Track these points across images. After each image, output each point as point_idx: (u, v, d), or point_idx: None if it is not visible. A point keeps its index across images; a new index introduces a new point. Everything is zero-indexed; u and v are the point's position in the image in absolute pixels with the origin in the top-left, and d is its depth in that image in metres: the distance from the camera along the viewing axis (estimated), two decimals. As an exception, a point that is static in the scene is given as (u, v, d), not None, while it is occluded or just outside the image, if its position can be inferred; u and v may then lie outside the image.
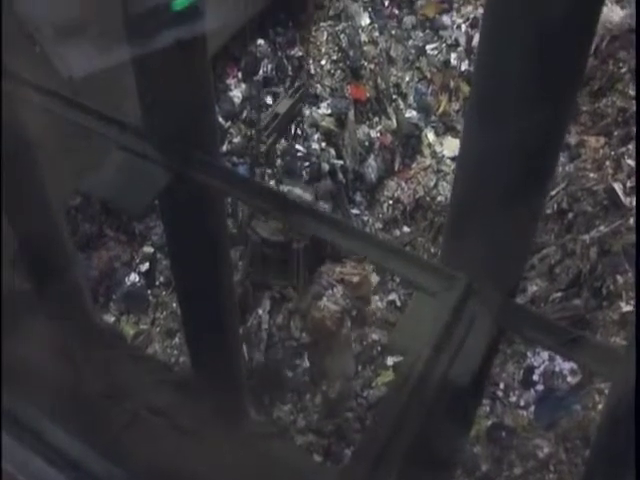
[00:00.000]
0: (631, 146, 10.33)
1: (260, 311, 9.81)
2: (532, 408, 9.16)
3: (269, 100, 10.70)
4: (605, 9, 11.41)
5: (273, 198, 3.49)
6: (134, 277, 9.82)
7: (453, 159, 11.21)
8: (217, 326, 5.28)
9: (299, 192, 10.33)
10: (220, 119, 10.07)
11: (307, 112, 10.83)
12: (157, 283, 9.93)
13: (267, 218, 9.53)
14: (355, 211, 11.09)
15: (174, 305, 9.53)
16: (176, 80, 3.45)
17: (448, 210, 4.03)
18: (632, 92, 10.97)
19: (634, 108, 10.64)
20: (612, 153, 10.49)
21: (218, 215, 4.37)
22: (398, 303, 10.14)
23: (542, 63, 2.95)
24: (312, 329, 9.56)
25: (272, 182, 10.47)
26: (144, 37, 3.26)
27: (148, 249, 9.88)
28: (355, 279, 9.84)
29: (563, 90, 3.15)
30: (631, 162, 10.14)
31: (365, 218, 11.14)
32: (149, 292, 9.87)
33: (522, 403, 9.23)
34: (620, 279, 9.33)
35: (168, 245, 5.53)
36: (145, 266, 9.86)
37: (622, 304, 9.22)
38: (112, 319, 9.64)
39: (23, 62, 3.84)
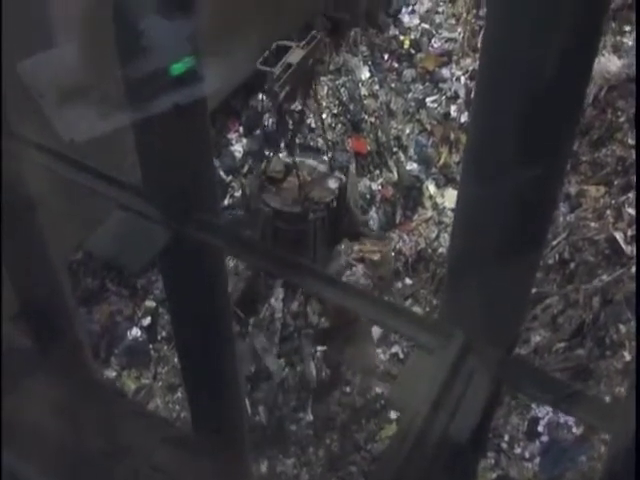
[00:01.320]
0: (631, 195, 10.37)
1: (273, 299, 9.15)
2: (537, 460, 9.08)
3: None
4: (603, 59, 11.58)
5: (273, 257, 3.52)
6: (136, 331, 9.77)
7: (454, 211, 11.20)
8: (218, 382, 5.26)
9: (313, 163, 9.74)
10: (221, 173, 10.14)
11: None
12: (159, 337, 9.90)
13: (279, 189, 8.97)
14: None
15: (176, 360, 9.45)
16: (175, 140, 3.50)
17: (446, 263, 4.05)
18: (631, 141, 11.05)
19: (634, 157, 10.71)
20: (612, 202, 10.53)
21: (218, 272, 4.39)
22: (401, 355, 10.09)
23: (536, 117, 2.99)
24: (331, 312, 8.83)
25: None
26: (144, 101, 3.32)
27: (150, 303, 9.86)
28: (376, 257, 9.34)
29: (558, 142, 3.19)
30: (631, 211, 10.18)
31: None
32: (151, 346, 9.83)
33: (527, 455, 9.15)
34: (623, 328, 9.32)
35: (168, 301, 5.55)
36: (147, 320, 9.81)
37: (625, 353, 9.20)
38: (113, 374, 9.60)
39: (27, 123, 3.90)
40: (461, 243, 3.65)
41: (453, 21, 12.94)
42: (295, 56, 8.93)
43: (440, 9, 13.05)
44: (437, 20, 12.91)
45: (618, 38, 12.17)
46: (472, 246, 3.51)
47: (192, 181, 3.67)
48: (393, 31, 12.83)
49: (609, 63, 11.78)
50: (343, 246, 9.16)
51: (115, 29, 3.21)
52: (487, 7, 3.33)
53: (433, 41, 12.76)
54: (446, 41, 12.74)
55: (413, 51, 12.60)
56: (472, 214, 3.49)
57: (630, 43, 12.08)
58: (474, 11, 12.85)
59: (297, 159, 9.36)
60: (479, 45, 11.60)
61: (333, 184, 9.10)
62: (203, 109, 3.57)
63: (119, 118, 3.57)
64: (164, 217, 3.58)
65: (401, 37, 12.65)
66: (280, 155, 9.44)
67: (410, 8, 13.01)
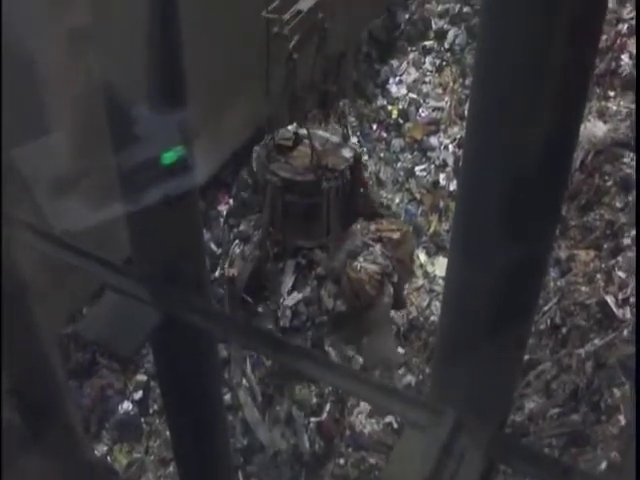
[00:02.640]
0: (621, 258, 10.42)
1: (282, 285, 8.34)
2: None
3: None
4: (589, 124, 11.73)
5: (264, 339, 3.53)
6: (127, 405, 9.70)
7: (444, 284, 11.19)
8: (209, 456, 5.24)
9: (326, 135, 8.71)
10: (212, 245, 10.17)
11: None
12: (151, 411, 9.82)
13: (288, 157, 8.07)
14: (349, 332, 10.95)
15: (168, 433, 9.36)
16: (166, 225, 3.54)
17: (435, 340, 4.08)
18: (619, 204, 11.12)
19: (622, 220, 10.79)
20: (603, 266, 10.56)
21: (208, 350, 4.40)
22: (395, 425, 10.02)
23: (524, 186, 3.03)
24: (348, 294, 8.02)
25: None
26: (136, 189, 3.36)
27: (141, 377, 9.79)
28: (395, 236, 8.41)
29: (547, 210, 3.23)
30: (622, 274, 10.22)
31: (359, 339, 11.06)
32: (142, 420, 9.76)
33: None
34: (617, 392, 9.27)
35: (159, 377, 5.54)
36: (138, 394, 9.75)
37: (621, 417, 9.14)
38: (105, 448, 9.51)
39: (24, 210, 3.95)
40: (449, 321, 3.68)
41: (440, 90, 13.14)
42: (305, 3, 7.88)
43: (427, 79, 13.26)
44: (424, 90, 13.10)
45: (603, 103, 12.35)
46: (462, 321, 3.54)
47: (182, 263, 3.69)
48: (381, 101, 13.03)
49: (595, 128, 11.94)
50: (359, 226, 8.32)
51: (107, 118, 3.27)
52: (473, 77, 3.40)
53: (421, 110, 12.93)
54: (433, 110, 12.91)
55: (401, 121, 12.78)
56: (461, 287, 3.52)
57: (614, 108, 12.26)
58: (460, 80, 13.09)
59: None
60: (466, 113, 11.75)
61: (348, 153, 8.22)
62: (193, 196, 3.62)
63: (112, 208, 3.61)
64: (154, 299, 3.60)
65: (389, 107, 12.83)
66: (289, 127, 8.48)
67: (397, 78, 13.23)
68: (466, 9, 13.55)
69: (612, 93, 12.46)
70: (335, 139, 8.37)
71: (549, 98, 2.90)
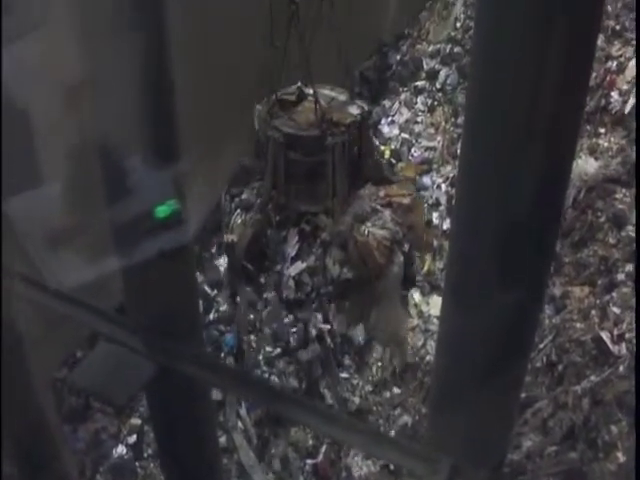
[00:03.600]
0: (615, 294, 10.42)
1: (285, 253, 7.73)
2: None
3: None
4: (580, 161, 11.80)
5: (257, 387, 3.52)
6: (121, 449, 9.65)
7: (438, 328, 11.16)
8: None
9: (332, 93, 8.06)
10: (206, 288, 10.14)
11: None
12: (145, 455, 9.76)
13: (292, 113, 7.49)
14: (344, 375, 10.89)
15: (162, 478, 9.29)
16: (160, 277, 3.55)
17: (431, 380, 4.07)
18: (612, 240, 11.16)
19: (616, 256, 10.82)
20: (597, 302, 10.56)
21: (202, 398, 4.39)
22: (391, 467, 9.94)
23: (517, 226, 3.05)
24: (355, 260, 7.41)
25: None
26: (129, 244, 3.37)
27: (135, 421, 9.75)
28: (405, 201, 7.85)
29: (540, 250, 3.24)
30: (617, 310, 10.22)
31: (354, 381, 11.01)
32: (137, 464, 9.69)
33: None
34: (615, 429, 9.24)
35: (153, 423, 5.52)
36: (132, 438, 9.70)
37: (619, 454, 9.10)
38: (99, 493, 9.45)
39: (21, 263, 3.96)
40: (446, 359, 3.67)
41: (432, 130, 13.24)
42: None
43: (419, 118, 13.37)
44: (416, 129, 13.21)
45: (594, 140, 12.44)
46: (457, 362, 3.53)
47: (176, 314, 3.70)
48: (374, 142, 13.08)
49: (586, 165, 12.01)
50: (367, 191, 7.67)
51: (101, 173, 3.30)
52: (464, 117, 3.42)
53: (413, 150, 13.04)
54: (426, 150, 13.00)
55: (394, 160, 12.83)
56: (456, 327, 3.52)
57: (605, 144, 12.35)
58: (452, 119, 13.18)
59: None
60: (458, 152, 11.82)
61: (355, 110, 7.57)
62: (187, 248, 3.63)
63: (106, 263, 3.62)
64: (148, 351, 3.59)
65: (382, 147, 12.89)
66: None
67: (389, 119, 13.34)
68: (457, 49, 13.70)
69: (602, 130, 12.56)
70: (342, 97, 7.78)
71: (541, 137, 2.92)
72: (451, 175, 12.50)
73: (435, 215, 12.31)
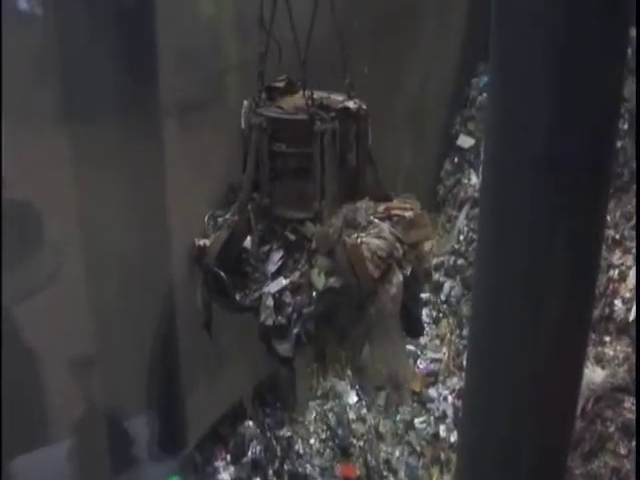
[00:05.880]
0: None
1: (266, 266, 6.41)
2: None
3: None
4: (587, 371, 11.83)
5: None
6: None
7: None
8: None
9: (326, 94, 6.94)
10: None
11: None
12: None
13: (279, 100, 6.72)
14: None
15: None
16: None
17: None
18: (623, 451, 11.07)
19: (627, 466, 10.74)
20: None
21: None
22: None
23: (524, 442, 3.13)
24: (344, 267, 5.87)
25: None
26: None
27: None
28: (407, 214, 6.31)
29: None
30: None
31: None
32: None
33: None
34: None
35: None
36: None
37: None
38: None
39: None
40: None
41: (437, 342, 13.42)
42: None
43: (424, 331, 13.57)
44: (422, 341, 13.36)
45: (599, 349, 12.50)
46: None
47: None
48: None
49: (593, 374, 12.03)
50: (364, 204, 6.38)
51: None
52: (469, 329, 3.45)
53: (419, 362, 13.13)
54: (431, 361, 13.14)
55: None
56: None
57: (611, 353, 12.42)
58: (457, 331, 13.39)
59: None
60: (464, 364, 11.94)
61: (352, 104, 6.65)
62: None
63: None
64: None
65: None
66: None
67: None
68: (460, 261, 14.03)
69: (608, 338, 12.63)
70: (338, 97, 6.86)
71: (548, 351, 3.00)
72: (457, 387, 12.55)
73: (442, 428, 12.29)
